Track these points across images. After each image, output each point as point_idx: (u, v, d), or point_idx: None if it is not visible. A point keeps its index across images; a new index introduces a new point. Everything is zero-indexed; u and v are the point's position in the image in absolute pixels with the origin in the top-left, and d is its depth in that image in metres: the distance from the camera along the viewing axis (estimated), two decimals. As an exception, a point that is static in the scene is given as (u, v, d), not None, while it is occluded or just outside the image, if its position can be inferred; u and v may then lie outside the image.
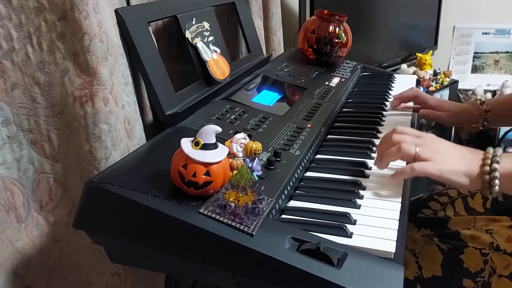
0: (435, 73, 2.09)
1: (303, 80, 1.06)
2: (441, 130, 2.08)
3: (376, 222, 0.60)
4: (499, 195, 0.65)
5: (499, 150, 0.66)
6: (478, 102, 0.99)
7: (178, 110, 0.76)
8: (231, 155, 0.60)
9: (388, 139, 0.70)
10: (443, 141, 0.70)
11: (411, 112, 1.02)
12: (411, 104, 1.04)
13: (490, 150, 0.67)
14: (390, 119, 0.98)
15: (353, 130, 0.91)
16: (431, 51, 2.13)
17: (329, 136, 0.88)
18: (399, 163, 0.72)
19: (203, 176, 0.53)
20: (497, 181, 0.64)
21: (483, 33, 2.25)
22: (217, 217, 0.52)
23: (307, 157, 0.75)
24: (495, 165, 0.64)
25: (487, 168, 0.65)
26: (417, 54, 2.08)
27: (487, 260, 0.73)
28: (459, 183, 0.66)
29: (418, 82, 1.28)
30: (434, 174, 0.65)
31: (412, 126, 0.96)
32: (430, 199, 0.94)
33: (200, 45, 0.88)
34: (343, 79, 1.12)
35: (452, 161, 0.66)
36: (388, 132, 0.73)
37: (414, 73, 2.03)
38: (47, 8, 0.60)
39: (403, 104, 1.04)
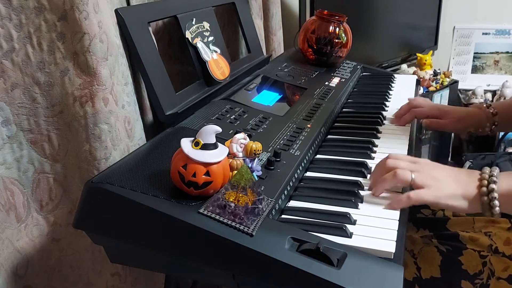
0: (435, 73, 2.09)
1: (303, 80, 1.06)
2: (442, 130, 2.08)
3: (376, 222, 0.60)
4: (500, 215, 0.64)
5: (496, 170, 0.66)
6: (484, 105, 0.97)
7: (178, 110, 0.76)
8: (231, 155, 0.60)
9: (383, 165, 0.69)
10: (439, 166, 0.69)
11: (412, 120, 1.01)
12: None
13: (486, 170, 0.66)
14: (390, 119, 0.98)
15: (353, 130, 0.91)
16: (431, 51, 2.13)
17: (329, 136, 0.88)
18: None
19: (203, 176, 0.53)
20: (496, 202, 0.63)
21: (483, 34, 2.25)
22: (217, 217, 0.52)
23: (307, 157, 0.75)
24: (493, 186, 0.63)
25: (485, 189, 0.64)
26: (417, 54, 2.08)
27: (486, 262, 0.73)
28: (458, 207, 0.65)
29: (418, 82, 1.28)
30: (432, 201, 0.64)
31: (413, 126, 0.96)
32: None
33: (200, 45, 0.88)
34: (343, 79, 1.12)
35: (449, 185, 0.65)
36: (382, 158, 0.71)
37: (414, 73, 2.03)
38: (47, 8, 0.60)
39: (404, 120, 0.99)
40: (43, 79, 0.63)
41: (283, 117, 0.84)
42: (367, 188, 0.69)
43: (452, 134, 2.23)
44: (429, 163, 0.69)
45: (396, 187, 0.67)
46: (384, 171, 0.68)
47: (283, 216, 0.63)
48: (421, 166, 0.68)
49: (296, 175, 0.69)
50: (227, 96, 0.87)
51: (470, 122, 0.97)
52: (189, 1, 0.90)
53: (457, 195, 0.65)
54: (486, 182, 0.64)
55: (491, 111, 0.95)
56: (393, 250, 0.54)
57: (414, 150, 0.89)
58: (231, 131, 0.73)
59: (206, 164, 0.53)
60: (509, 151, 1.99)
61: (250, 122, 0.78)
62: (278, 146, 0.72)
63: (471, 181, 0.66)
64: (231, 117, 0.78)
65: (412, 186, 0.66)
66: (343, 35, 1.15)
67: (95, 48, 0.64)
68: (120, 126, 0.70)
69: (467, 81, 2.29)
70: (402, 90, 1.17)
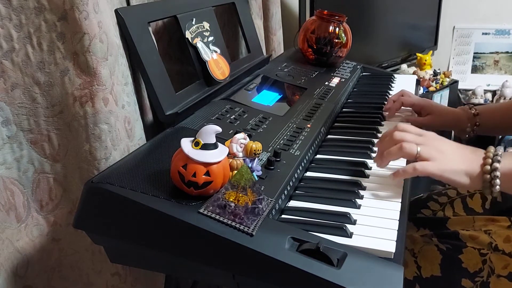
0: (435, 73, 2.09)
1: (303, 80, 1.06)
2: (441, 131, 2.08)
3: (376, 222, 0.60)
4: (499, 194, 0.65)
5: (500, 149, 0.66)
6: (468, 106, 0.97)
7: (178, 110, 0.76)
8: (231, 155, 0.60)
9: (390, 137, 0.70)
10: (445, 140, 0.70)
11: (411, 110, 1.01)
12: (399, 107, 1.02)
13: (491, 149, 0.67)
14: (390, 119, 0.99)
15: (353, 130, 0.91)
16: (431, 51, 2.13)
17: (329, 136, 0.88)
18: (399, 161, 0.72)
19: (203, 176, 0.53)
20: (498, 181, 0.63)
21: (483, 34, 2.25)
22: (217, 217, 0.52)
23: (307, 157, 0.75)
24: (496, 164, 0.64)
25: (488, 167, 0.64)
26: (417, 54, 2.08)
27: (486, 260, 0.74)
28: (460, 182, 0.66)
29: (418, 82, 1.28)
30: (436, 174, 0.65)
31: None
32: (429, 199, 0.94)
33: (200, 45, 0.88)
34: (343, 79, 1.12)
35: (454, 160, 0.66)
36: (389, 129, 0.72)
37: (414, 73, 2.04)
38: (47, 8, 0.60)
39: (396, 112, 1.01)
40: (43, 79, 0.63)
41: (283, 117, 0.84)
42: (367, 188, 0.69)
43: (452, 134, 2.23)
44: (435, 137, 0.70)
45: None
46: (391, 143, 0.69)
47: (283, 216, 0.63)
48: (427, 139, 0.68)
49: (296, 175, 0.69)
50: (227, 96, 0.87)
51: (448, 119, 0.98)
52: (189, 1, 0.90)
53: (460, 170, 0.66)
54: (490, 160, 0.65)
55: (473, 111, 0.95)
56: (393, 250, 0.54)
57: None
58: (231, 131, 0.73)
59: (206, 164, 0.53)
60: (509, 151, 1.99)
61: (250, 122, 0.78)
62: (278, 146, 0.72)
63: (476, 158, 0.66)
64: (231, 117, 0.78)
65: (417, 159, 0.66)
66: (343, 35, 1.15)
67: (95, 48, 0.64)
68: (120, 126, 0.70)
69: (467, 81, 2.29)
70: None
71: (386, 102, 1.03)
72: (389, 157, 0.69)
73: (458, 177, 0.65)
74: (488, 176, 0.64)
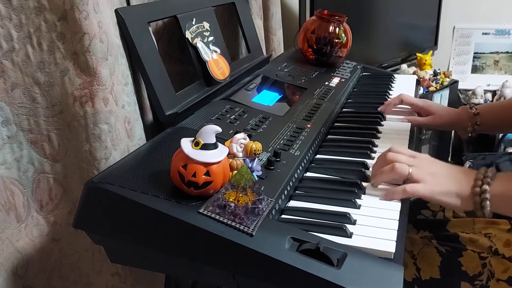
0: (435, 73, 2.09)
1: (303, 80, 1.06)
2: (441, 131, 2.08)
3: (376, 222, 0.60)
4: (491, 215, 0.65)
5: (492, 171, 0.67)
6: (468, 105, 0.98)
7: (178, 110, 0.76)
8: (231, 155, 0.60)
9: (383, 158, 0.71)
10: (437, 162, 0.71)
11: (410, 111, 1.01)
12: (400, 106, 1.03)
13: (482, 171, 0.67)
14: (390, 119, 0.99)
15: (353, 130, 0.91)
16: (431, 51, 2.13)
17: (329, 136, 0.88)
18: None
19: (203, 176, 0.53)
20: (488, 202, 0.64)
21: (483, 34, 2.25)
22: (217, 217, 0.52)
23: (307, 157, 0.75)
24: (486, 187, 0.64)
25: (478, 189, 0.65)
26: (417, 54, 2.08)
27: (486, 263, 0.73)
28: (450, 204, 0.67)
29: (418, 82, 1.28)
30: (426, 196, 0.66)
31: (412, 126, 0.96)
32: (429, 199, 0.94)
33: (200, 45, 0.88)
34: (343, 79, 1.12)
35: (444, 182, 0.67)
36: (384, 151, 0.73)
37: (414, 73, 2.03)
38: (47, 8, 0.60)
39: (393, 109, 1.01)
40: (43, 79, 0.63)
41: (283, 117, 0.84)
42: (367, 188, 0.69)
43: (452, 134, 2.23)
44: (427, 159, 0.71)
45: (395, 180, 0.69)
46: (384, 164, 0.70)
47: (283, 216, 0.63)
48: (419, 161, 0.69)
49: (296, 175, 0.69)
50: (227, 96, 0.87)
51: (449, 119, 0.98)
52: (189, 1, 0.90)
53: (451, 192, 0.66)
54: (480, 182, 0.65)
55: (473, 111, 0.96)
56: (393, 250, 0.54)
57: (414, 150, 0.89)
58: (231, 131, 0.73)
59: (206, 164, 0.53)
60: (509, 151, 1.99)
61: (250, 122, 0.78)
62: (278, 146, 0.72)
63: (467, 180, 0.67)
64: (231, 117, 0.78)
65: (409, 180, 0.67)
66: (343, 35, 1.15)
67: (95, 48, 0.64)
68: (120, 126, 0.70)
69: (467, 81, 2.29)
70: (402, 90, 1.16)
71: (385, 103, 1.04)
72: (382, 177, 0.69)
73: (448, 199, 0.66)
74: (478, 197, 0.65)
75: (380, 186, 0.69)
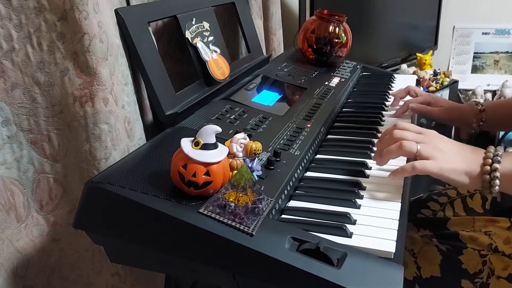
0: (435, 73, 2.09)
1: (303, 80, 1.06)
2: (441, 131, 2.08)
3: (376, 222, 0.60)
4: (498, 194, 0.65)
5: (501, 149, 0.66)
6: (474, 102, 0.98)
7: (178, 110, 0.76)
8: (231, 155, 0.60)
9: (389, 135, 0.69)
10: (445, 139, 0.69)
11: (410, 113, 1.02)
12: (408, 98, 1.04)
13: (491, 149, 0.66)
14: (390, 119, 0.99)
15: (353, 130, 0.91)
16: (431, 51, 2.13)
17: (329, 136, 0.88)
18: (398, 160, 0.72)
19: (203, 176, 0.53)
20: (497, 181, 0.63)
21: (483, 33, 2.25)
22: (217, 217, 0.52)
23: (307, 157, 0.75)
24: (496, 165, 0.64)
25: (488, 167, 0.64)
26: (417, 54, 2.08)
27: (486, 261, 0.74)
28: (459, 181, 0.65)
29: (418, 82, 1.28)
30: (435, 172, 0.64)
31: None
32: (429, 199, 0.94)
33: (200, 45, 0.88)
34: (343, 79, 1.12)
35: (453, 159, 0.66)
36: (389, 127, 0.72)
37: (414, 73, 2.03)
38: (47, 8, 0.60)
39: (401, 101, 1.03)
40: (43, 79, 0.63)
41: (283, 117, 0.84)
42: (367, 188, 0.69)
43: (452, 134, 2.23)
44: (435, 135, 0.69)
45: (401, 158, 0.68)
46: (391, 141, 0.68)
47: (283, 216, 0.63)
48: (427, 138, 0.68)
49: (296, 175, 0.69)
50: (227, 96, 0.87)
51: (456, 115, 0.98)
52: (189, 1, 0.90)
53: (460, 170, 0.65)
54: (490, 161, 0.65)
55: (479, 107, 0.96)
56: (393, 250, 0.54)
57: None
58: (231, 131, 0.73)
59: (206, 164, 0.53)
60: (509, 151, 1.99)
61: (250, 122, 0.78)
62: (278, 146, 0.72)
63: (476, 158, 0.66)
64: (231, 117, 0.78)
65: (417, 157, 0.66)
66: (343, 35, 1.15)
67: (95, 48, 0.64)
68: (120, 126, 0.70)
69: (467, 81, 2.29)
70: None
71: (386, 102, 1.04)
72: (389, 155, 0.68)
73: (457, 177, 0.65)
74: (488, 176, 0.64)
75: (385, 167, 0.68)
